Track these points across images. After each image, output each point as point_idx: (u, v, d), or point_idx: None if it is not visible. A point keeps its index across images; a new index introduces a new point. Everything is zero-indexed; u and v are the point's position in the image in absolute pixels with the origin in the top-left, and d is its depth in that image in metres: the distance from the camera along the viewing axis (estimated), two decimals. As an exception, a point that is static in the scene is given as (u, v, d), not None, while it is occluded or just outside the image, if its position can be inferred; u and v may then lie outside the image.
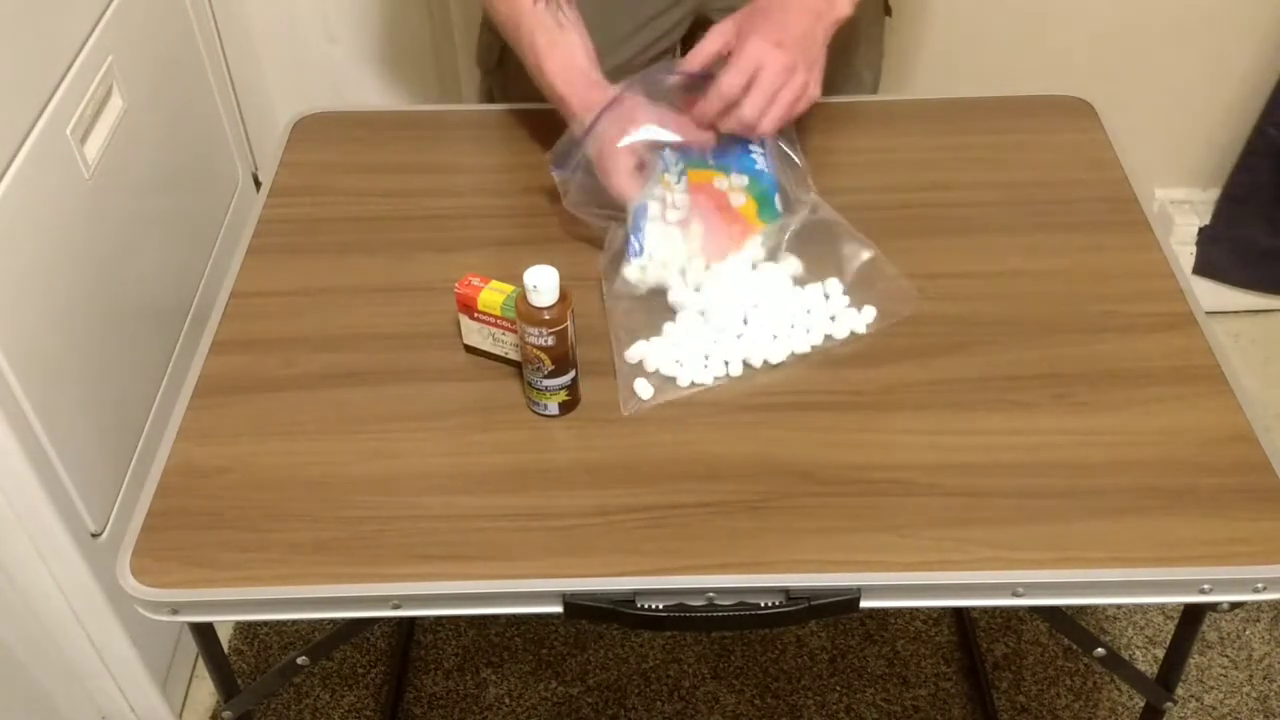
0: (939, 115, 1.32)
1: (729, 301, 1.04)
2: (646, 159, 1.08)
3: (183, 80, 1.59)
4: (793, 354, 1.03)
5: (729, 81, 1.05)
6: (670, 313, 1.06)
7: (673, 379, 1.00)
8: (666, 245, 1.06)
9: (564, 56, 1.11)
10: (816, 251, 1.10)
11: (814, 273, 1.09)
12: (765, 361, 1.02)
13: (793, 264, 1.09)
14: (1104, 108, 1.30)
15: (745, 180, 1.10)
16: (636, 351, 1.01)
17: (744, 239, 1.08)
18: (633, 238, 1.05)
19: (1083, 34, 1.83)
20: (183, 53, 1.59)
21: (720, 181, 1.10)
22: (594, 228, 1.10)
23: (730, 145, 1.11)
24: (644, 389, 0.99)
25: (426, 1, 1.78)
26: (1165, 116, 1.92)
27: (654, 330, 1.04)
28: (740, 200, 1.10)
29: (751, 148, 1.11)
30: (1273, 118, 1.86)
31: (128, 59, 1.38)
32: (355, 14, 1.78)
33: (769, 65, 1.05)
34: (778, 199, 1.10)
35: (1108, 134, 1.27)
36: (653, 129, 1.08)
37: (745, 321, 1.04)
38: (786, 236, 1.10)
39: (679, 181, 1.09)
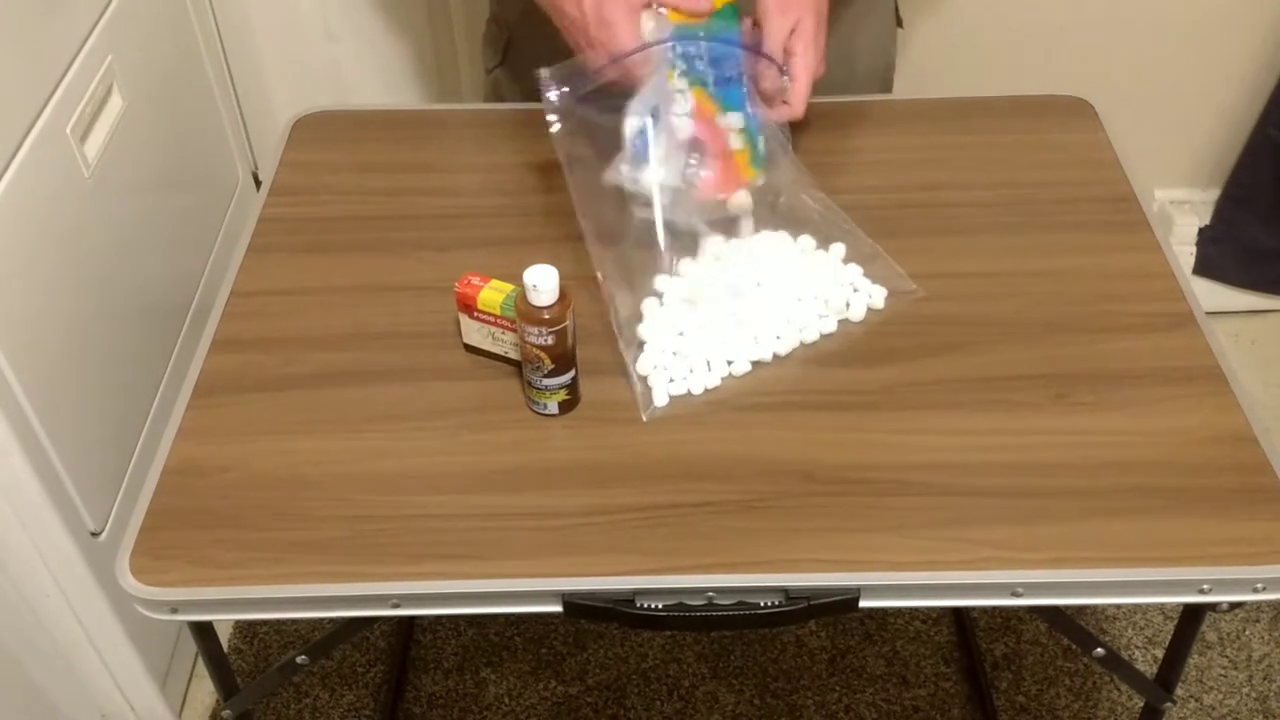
0: (938, 115, 1.32)
1: (736, 291, 1.05)
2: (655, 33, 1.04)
3: (183, 79, 1.59)
4: (801, 344, 1.04)
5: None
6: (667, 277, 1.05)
7: (686, 391, 1.00)
8: (667, 165, 1.03)
9: None
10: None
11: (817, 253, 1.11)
12: (775, 355, 1.03)
13: (804, 243, 1.10)
14: (1104, 108, 1.30)
15: (740, 122, 1.08)
16: (648, 360, 1.01)
17: (735, 187, 1.07)
18: (635, 143, 1.02)
19: (1083, 34, 1.83)
20: (183, 52, 1.59)
21: (722, 118, 1.07)
22: (583, 222, 1.08)
23: (722, 78, 1.08)
24: (661, 397, 0.99)
25: (426, 1, 1.78)
26: (1165, 117, 1.92)
27: (647, 290, 1.04)
28: (738, 145, 1.08)
29: (742, 85, 1.08)
30: (1273, 118, 1.86)
31: (128, 58, 1.38)
32: (355, 13, 1.78)
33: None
34: (761, 144, 1.09)
35: (1108, 134, 1.27)
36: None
37: (739, 319, 1.04)
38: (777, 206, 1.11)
39: (686, 94, 1.05)
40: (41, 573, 1.26)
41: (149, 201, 1.45)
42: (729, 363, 1.01)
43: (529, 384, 0.98)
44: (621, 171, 1.03)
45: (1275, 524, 0.89)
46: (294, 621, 1.63)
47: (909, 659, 1.58)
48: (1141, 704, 1.12)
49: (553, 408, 0.98)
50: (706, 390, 1.00)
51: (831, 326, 1.05)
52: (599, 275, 1.04)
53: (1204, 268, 2.02)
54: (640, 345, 1.02)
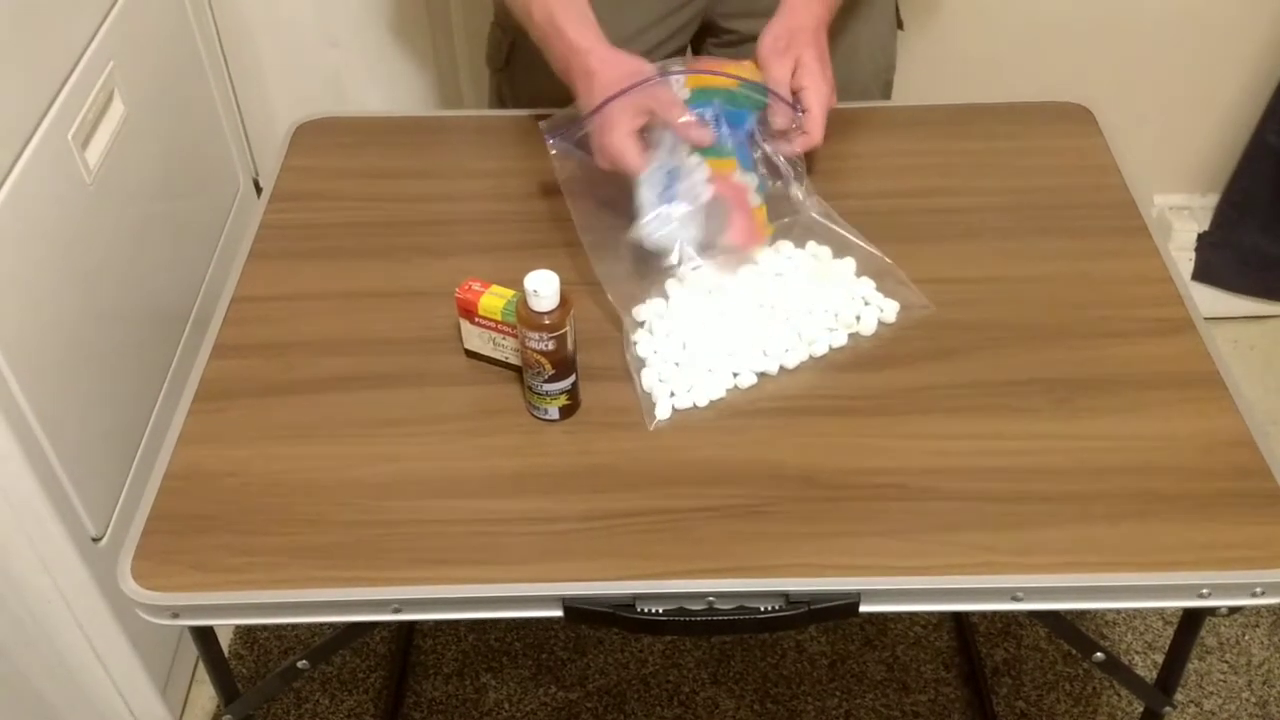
0: (939, 121, 1.32)
1: (745, 310, 1.05)
2: (651, 131, 1.06)
3: (184, 85, 1.59)
4: (811, 357, 1.04)
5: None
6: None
7: (691, 405, 1.00)
8: (687, 223, 1.05)
9: (579, 12, 1.11)
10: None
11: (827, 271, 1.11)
12: (782, 367, 1.03)
13: (818, 251, 1.11)
14: (1103, 114, 1.31)
15: (755, 180, 1.10)
16: (652, 374, 1.01)
17: (759, 242, 1.09)
18: (649, 197, 1.04)
19: (1082, 40, 1.84)
20: (184, 58, 1.60)
21: (738, 175, 1.09)
22: (586, 231, 1.10)
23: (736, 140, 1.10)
24: (664, 409, 0.99)
25: (427, 6, 1.78)
26: (1164, 122, 1.93)
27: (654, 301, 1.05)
28: (756, 201, 1.09)
29: (751, 149, 1.10)
30: (1272, 124, 1.86)
31: (129, 64, 1.38)
32: (356, 19, 1.79)
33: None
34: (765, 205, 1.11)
35: (1107, 140, 1.27)
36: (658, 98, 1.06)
37: (747, 332, 1.04)
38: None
39: (698, 166, 1.07)
40: (42, 578, 1.26)
41: (150, 208, 1.45)
42: (734, 375, 1.01)
43: (529, 389, 0.98)
44: (644, 235, 1.05)
45: (1274, 528, 0.89)
46: (294, 626, 1.63)
47: (909, 664, 1.58)
48: (1141, 709, 1.12)
49: (553, 413, 0.98)
50: (711, 403, 1.00)
51: (842, 340, 1.05)
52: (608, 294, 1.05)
53: (1203, 273, 2.02)
54: (644, 359, 1.02)
